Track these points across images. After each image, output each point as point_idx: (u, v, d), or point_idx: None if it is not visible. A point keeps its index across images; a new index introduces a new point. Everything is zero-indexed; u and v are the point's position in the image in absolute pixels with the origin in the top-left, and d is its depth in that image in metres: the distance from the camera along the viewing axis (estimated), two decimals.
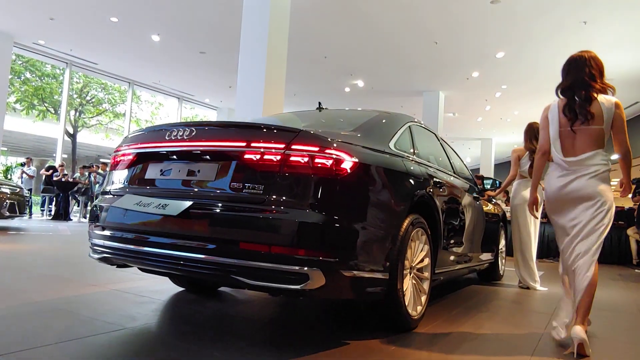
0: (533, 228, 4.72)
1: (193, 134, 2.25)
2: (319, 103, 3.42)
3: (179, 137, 2.28)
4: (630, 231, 8.55)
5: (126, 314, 2.56)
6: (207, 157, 2.21)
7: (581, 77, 2.62)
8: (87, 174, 12.51)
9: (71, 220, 12.36)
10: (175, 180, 2.29)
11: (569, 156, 2.59)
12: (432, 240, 2.87)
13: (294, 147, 2.04)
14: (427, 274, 2.79)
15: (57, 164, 13.48)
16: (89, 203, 12.48)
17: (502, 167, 26.59)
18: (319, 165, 2.02)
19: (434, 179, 3.01)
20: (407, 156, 2.82)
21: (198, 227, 2.08)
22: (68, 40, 12.19)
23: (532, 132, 4.70)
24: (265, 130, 2.15)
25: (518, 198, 4.76)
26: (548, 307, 3.65)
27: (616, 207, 9.06)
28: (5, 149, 23.59)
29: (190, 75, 14.54)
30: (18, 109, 20.87)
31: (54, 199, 12.41)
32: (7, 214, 7.77)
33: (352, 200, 2.14)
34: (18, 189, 8.15)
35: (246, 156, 2.09)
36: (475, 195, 4.20)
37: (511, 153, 4.88)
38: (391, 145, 2.71)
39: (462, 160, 4.50)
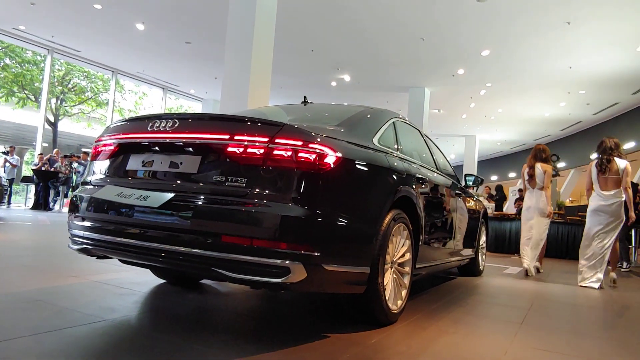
0: (545, 226, 5.88)
1: (176, 125, 2.23)
2: (304, 97, 3.41)
3: (162, 129, 2.25)
4: None
5: (106, 305, 2.54)
6: (190, 149, 2.20)
7: (606, 149, 5.09)
8: (68, 163, 12.30)
9: (51, 210, 12.16)
10: (157, 171, 2.27)
11: (604, 191, 5.02)
12: (414, 235, 2.90)
13: (277, 140, 2.04)
14: (408, 269, 2.82)
15: (36, 153, 13.23)
16: (69, 193, 12.30)
17: (485, 164, 26.98)
18: (302, 159, 2.03)
19: (417, 176, 3.04)
20: (391, 152, 2.84)
21: (179, 220, 2.07)
22: (49, 27, 11.93)
23: (534, 152, 5.93)
24: (249, 123, 2.14)
25: (525, 205, 6.00)
26: (526, 303, 3.72)
27: None
28: None
29: (175, 65, 14.37)
30: None
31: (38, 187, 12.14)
32: None
33: (334, 194, 2.15)
34: None
35: (229, 149, 2.08)
36: (457, 191, 4.25)
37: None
38: (375, 140, 2.73)
39: (445, 157, 4.55)
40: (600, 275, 4.98)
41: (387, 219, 2.49)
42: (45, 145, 23.58)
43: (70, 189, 12.23)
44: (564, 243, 9.54)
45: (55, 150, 12.74)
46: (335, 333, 2.32)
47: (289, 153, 2.02)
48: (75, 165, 12.06)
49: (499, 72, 12.65)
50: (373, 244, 2.37)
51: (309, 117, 3.09)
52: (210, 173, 2.10)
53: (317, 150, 2.06)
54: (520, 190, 14.11)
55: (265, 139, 2.05)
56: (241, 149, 2.06)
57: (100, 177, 2.50)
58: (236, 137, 2.08)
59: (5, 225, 7.00)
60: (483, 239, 5.39)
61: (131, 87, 23.59)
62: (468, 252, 4.67)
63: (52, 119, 22.04)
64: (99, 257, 2.56)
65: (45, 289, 2.81)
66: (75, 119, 24.35)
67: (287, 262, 1.94)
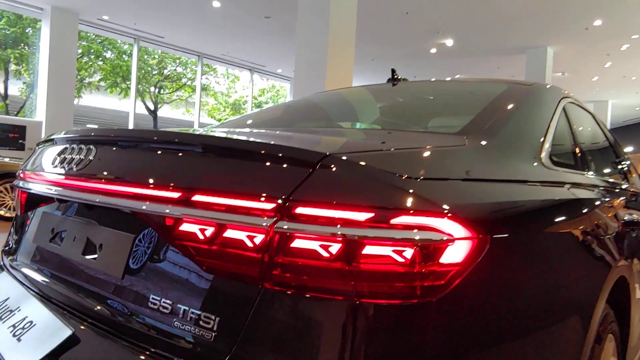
0: None
1: (90, 158, 0.99)
2: (392, 71, 1.97)
3: (71, 169, 1.03)
4: None
5: None
6: (114, 218, 0.95)
7: None
8: None
9: None
10: (65, 259, 1.07)
11: None
12: (621, 337, 1.43)
13: (298, 210, 0.70)
14: None
15: None
16: None
17: (619, 131, 22.90)
18: (376, 265, 0.68)
19: (626, 217, 1.51)
20: (577, 177, 1.36)
21: None
22: (131, 14, 11.60)
23: None
24: (233, 156, 0.82)
25: None
26: None
27: None
28: (97, 126, 24.66)
29: (257, 43, 13.47)
30: (103, 87, 21.46)
31: None
32: None
33: (465, 337, 0.77)
34: None
35: (183, 228, 0.79)
36: None
37: None
38: (544, 158, 1.24)
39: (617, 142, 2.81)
40: None
41: (588, 344, 1.06)
42: None
43: None
44: None
45: None
46: None
47: (338, 247, 0.68)
48: None
49: None
50: None
51: (401, 112, 1.68)
52: (147, 285, 0.84)
53: (416, 237, 0.69)
54: None
55: (271, 205, 0.72)
56: (210, 229, 0.76)
57: (11, 244, 1.37)
58: (196, 198, 0.78)
59: None
60: None
61: (223, 70, 23.55)
62: None
63: (152, 107, 22.81)
64: None
65: None
66: (174, 105, 25.07)
67: None
